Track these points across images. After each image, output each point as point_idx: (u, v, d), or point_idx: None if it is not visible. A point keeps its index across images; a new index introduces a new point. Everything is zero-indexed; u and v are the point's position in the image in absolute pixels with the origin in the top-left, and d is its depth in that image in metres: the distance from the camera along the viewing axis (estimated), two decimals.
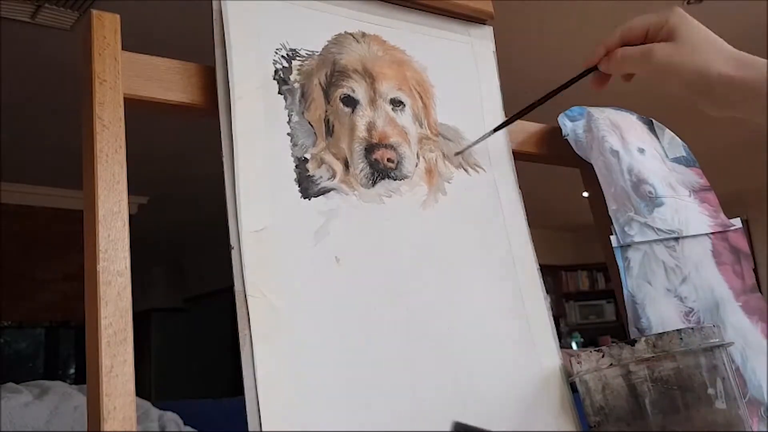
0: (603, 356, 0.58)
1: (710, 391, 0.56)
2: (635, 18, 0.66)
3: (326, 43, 0.68)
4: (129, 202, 0.54)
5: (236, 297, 0.54)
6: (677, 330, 0.57)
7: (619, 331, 6.02)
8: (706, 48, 0.61)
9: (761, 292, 0.83)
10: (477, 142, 0.73)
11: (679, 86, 0.63)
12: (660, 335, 0.57)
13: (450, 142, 0.72)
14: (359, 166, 0.64)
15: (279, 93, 0.63)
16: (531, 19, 3.00)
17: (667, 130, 0.92)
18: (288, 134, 0.62)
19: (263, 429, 0.50)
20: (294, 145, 0.62)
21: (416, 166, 0.68)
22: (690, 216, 0.83)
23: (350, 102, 0.66)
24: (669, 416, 0.55)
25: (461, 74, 0.77)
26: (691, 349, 0.56)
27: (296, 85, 0.64)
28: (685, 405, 0.55)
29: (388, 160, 0.66)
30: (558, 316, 7.13)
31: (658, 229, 0.79)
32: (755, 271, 0.85)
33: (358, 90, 0.67)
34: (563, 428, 0.64)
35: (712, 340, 0.58)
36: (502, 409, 0.62)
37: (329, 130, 0.64)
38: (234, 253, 0.55)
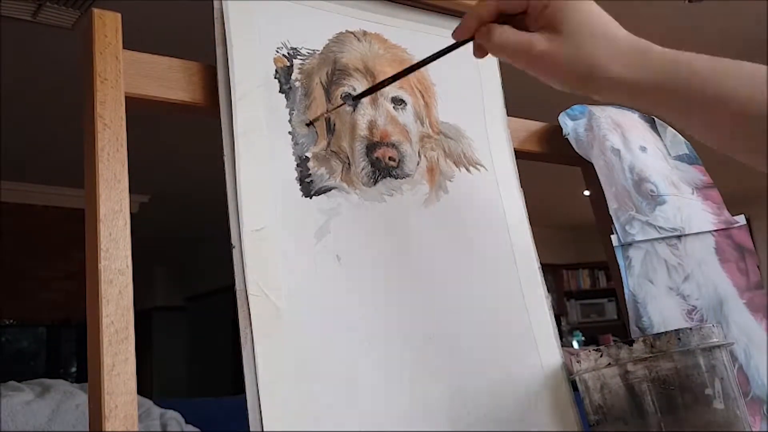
0: (601, 356, 0.58)
1: (708, 391, 0.56)
2: None
3: (327, 41, 0.68)
4: (130, 201, 0.54)
5: (237, 296, 0.54)
6: (675, 330, 0.57)
7: (620, 330, 6.01)
8: (594, 41, 0.52)
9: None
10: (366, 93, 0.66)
11: (561, 83, 0.55)
12: (658, 335, 0.57)
13: (451, 141, 0.72)
14: (360, 164, 0.64)
15: (280, 92, 0.63)
16: None
17: (669, 128, 0.92)
18: (289, 133, 0.62)
19: (264, 428, 0.50)
20: (295, 143, 0.62)
21: (418, 164, 0.68)
22: (693, 214, 0.83)
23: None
24: (667, 416, 0.55)
25: (462, 72, 0.77)
26: (689, 349, 0.56)
27: (297, 83, 0.64)
28: (683, 405, 0.55)
29: (390, 158, 0.66)
30: (559, 315, 7.12)
31: (660, 228, 0.79)
32: (759, 268, 0.85)
33: (360, 88, 0.67)
34: (564, 427, 0.64)
35: (711, 340, 0.58)
36: (503, 408, 0.62)
37: (330, 129, 0.64)
38: (235, 252, 0.55)
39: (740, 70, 0.50)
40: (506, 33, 0.55)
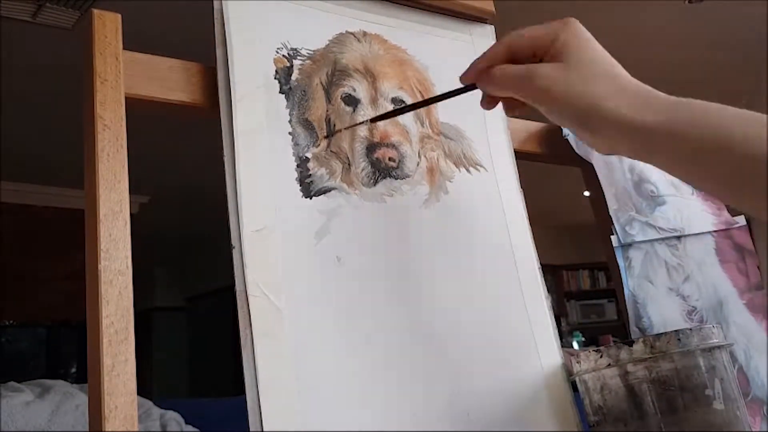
0: (601, 356, 0.58)
1: (708, 392, 0.56)
2: (525, 28, 0.55)
3: (327, 42, 0.68)
4: (130, 201, 0.54)
5: (237, 296, 0.54)
6: (675, 331, 0.57)
7: (620, 331, 6.01)
8: (599, 78, 0.50)
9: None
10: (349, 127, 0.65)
11: (560, 119, 0.53)
12: (658, 336, 0.57)
13: (451, 141, 0.72)
14: (360, 165, 0.64)
15: (280, 92, 0.63)
16: (532, 17, 3.00)
17: None
18: (289, 133, 0.62)
19: (264, 428, 0.50)
20: (295, 144, 0.62)
21: (418, 165, 0.68)
22: (693, 214, 0.83)
23: (351, 101, 0.66)
24: (667, 417, 0.55)
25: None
26: (689, 349, 0.56)
27: (297, 84, 0.64)
28: (683, 406, 0.55)
29: (390, 159, 0.66)
30: (559, 316, 7.12)
31: (660, 228, 0.79)
32: (759, 268, 0.85)
33: (360, 89, 0.67)
34: (564, 427, 0.64)
35: (711, 341, 0.58)
36: (503, 408, 0.62)
37: (330, 130, 0.64)
38: (235, 253, 0.55)
39: (744, 114, 0.47)
40: (507, 68, 0.54)
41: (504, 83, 0.55)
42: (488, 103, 0.59)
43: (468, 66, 0.57)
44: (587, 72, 0.51)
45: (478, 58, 0.56)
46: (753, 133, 0.45)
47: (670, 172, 0.51)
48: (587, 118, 0.50)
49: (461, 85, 0.59)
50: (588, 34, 0.53)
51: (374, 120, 0.65)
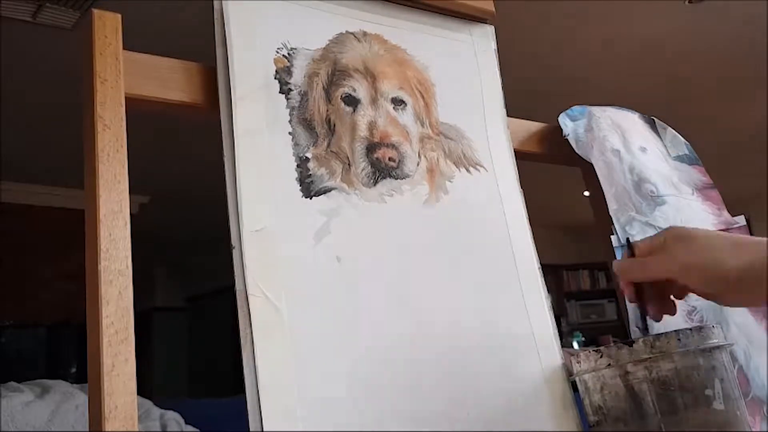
0: (601, 356, 0.58)
1: (708, 392, 0.56)
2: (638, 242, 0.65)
3: (327, 42, 0.68)
4: (130, 202, 0.54)
5: (237, 296, 0.54)
6: (675, 331, 0.57)
7: (620, 331, 6.01)
8: (714, 243, 0.59)
9: None
10: None
11: (698, 283, 0.60)
12: (658, 336, 0.57)
13: (451, 141, 0.72)
14: (360, 165, 0.64)
15: (280, 92, 0.63)
16: (532, 18, 3.00)
17: (669, 128, 0.92)
18: (289, 133, 0.62)
19: (264, 428, 0.50)
20: (295, 144, 0.62)
21: (418, 165, 0.68)
22: (693, 214, 0.83)
23: (351, 101, 0.66)
24: (667, 417, 0.55)
25: (463, 73, 0.77)
26: (689, 350, 0.56)
27: (297, 84, 0.64)
28: (683, 406, 0.55)
29: (390, 159, 0.66)
30: (559, 315, 7.11)
31: (660, 228, 0.79)
32: None
33: (360, 89, 0.67)
34: (564, 428, 0.64)
35: (711, 341, 0.58)
36: (503, 408, 0.62)
37: (330, 130, 0.64)
38: (235, 253, 0.55)
39: None
40: (648, 258, 0.62)
41: (649, 266, 0.62)
42: (665, 306, 0.64)
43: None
44: (704, 241, 0.60)
45: (625, 275, 0.64)
46: None
47: None
48: (716, 277, 0.58)
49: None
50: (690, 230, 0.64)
51: None
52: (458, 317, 0.64)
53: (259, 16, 0.64)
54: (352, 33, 0.70)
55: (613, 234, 0.77)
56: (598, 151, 0.81)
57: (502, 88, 0.80)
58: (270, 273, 0.56)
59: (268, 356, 0.53)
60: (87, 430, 0.50)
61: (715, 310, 0.78)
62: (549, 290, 0.71)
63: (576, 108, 0.86)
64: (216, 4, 0.62)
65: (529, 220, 0.74)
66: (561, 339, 0.70)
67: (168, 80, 0.60)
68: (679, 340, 0.56)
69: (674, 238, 0.61)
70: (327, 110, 0.65)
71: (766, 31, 3.25)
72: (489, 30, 0.82)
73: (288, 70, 0.64)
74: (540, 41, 3.29)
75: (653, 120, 0.92)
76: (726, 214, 0.86)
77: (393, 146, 0.67)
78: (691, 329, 0.58)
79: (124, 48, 0.57)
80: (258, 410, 0.50)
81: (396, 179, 0.66)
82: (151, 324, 6.81)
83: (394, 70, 0.70)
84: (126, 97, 0.56)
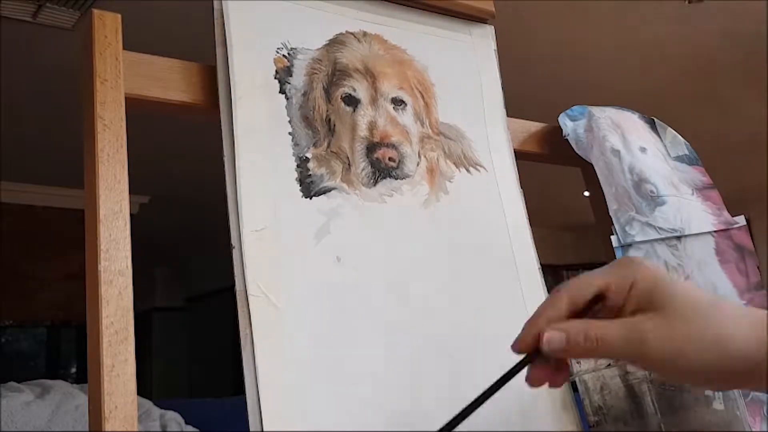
0: None
1: (708, 392, 0.56)
2: (581, 277, 0.45)
3: (327, 42, 0.68)
4: (130, 202, 0.54)
5: (237, 296, 0.54)
6: None
7: None
8: (715, 313, 0.42)
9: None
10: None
11: (686, 377, 0.43)
12: None
13: (451, 142, 0.72)
14: (360, 165, 0.64)
15: (280, 92, 0.63)
16: (533, 18, 3.00)
17: (669, 128, 0.92)
18: (289, 133, 0.62)
19: (264, 428, 0.50)
20: (295, 144, 0.62)
21: (418, 165, 0.68)
22: (692, 214, 0.83)
23: (351, 101, 0.66)
24: (667, 417, 0.55)
25: (463, 73, 0.77)
26: None
27: (297, 84, 0.64)
28: (682, 405, 0.55)
29: (390, 159, 0.66)
30: None
31: (660, 228, 0.79)
32: (759, 269, 0.85)
33: (360, 89, 0.67)
34: (564, 428, 0.63)
35: None
36: (503, 408, 0.62)
37: (330, 130, 0.64)
38: (235, 253, 0.55)
39: None
40: (601, 330, 0.42)
41: (599, 350, 0.43)
42: (554, 374, 0.46)
43: (522, 328, 0.46)
44: (703, 314, 0.42)
45: (531, 320, 0.46)
46: None
47: None
48: (718, 365, 0.41)
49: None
50: (662, 272, 0.44)
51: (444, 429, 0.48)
52: (458, 317, 0.64)
53: (259, 16, 0.64)
54: (352, 33, 0.70)
55: (613, 234, 0.77)
56: (598, 151, 0.81)
57: (502, 88, 0.80)
58: (270, 273, 0.56)
59: (269, 356, 0.53)
60: (87, 430, 0.50)
61: None
62: (549, 290, 0.71)
63: (576, 108, 0.86)
64: (216, 4, 0.62)
65: (529, 220, 0.74)
66: None
67: (168, 80, 0.60)
68: None
69: (654, 297, 0.42)
70: (327, 110, 0.65)
71: (766, 31, 3.25)
72: (489, 30, 0.82)
73: (288, 70, 0.64)
74: (540, 41, 3.29)
75: (653, 120, 0.92)
76: (726, 214, 0.86)
77: (393, 146, 0.67)
78: None
79: (124, 48, 0.57)
80: (258, 410, 0.51)
81: (396, 179, 0.66)
82: (151, 324, 6.81)
83: (394, 70, 0.70)
84: (126, 97, 0.56)
